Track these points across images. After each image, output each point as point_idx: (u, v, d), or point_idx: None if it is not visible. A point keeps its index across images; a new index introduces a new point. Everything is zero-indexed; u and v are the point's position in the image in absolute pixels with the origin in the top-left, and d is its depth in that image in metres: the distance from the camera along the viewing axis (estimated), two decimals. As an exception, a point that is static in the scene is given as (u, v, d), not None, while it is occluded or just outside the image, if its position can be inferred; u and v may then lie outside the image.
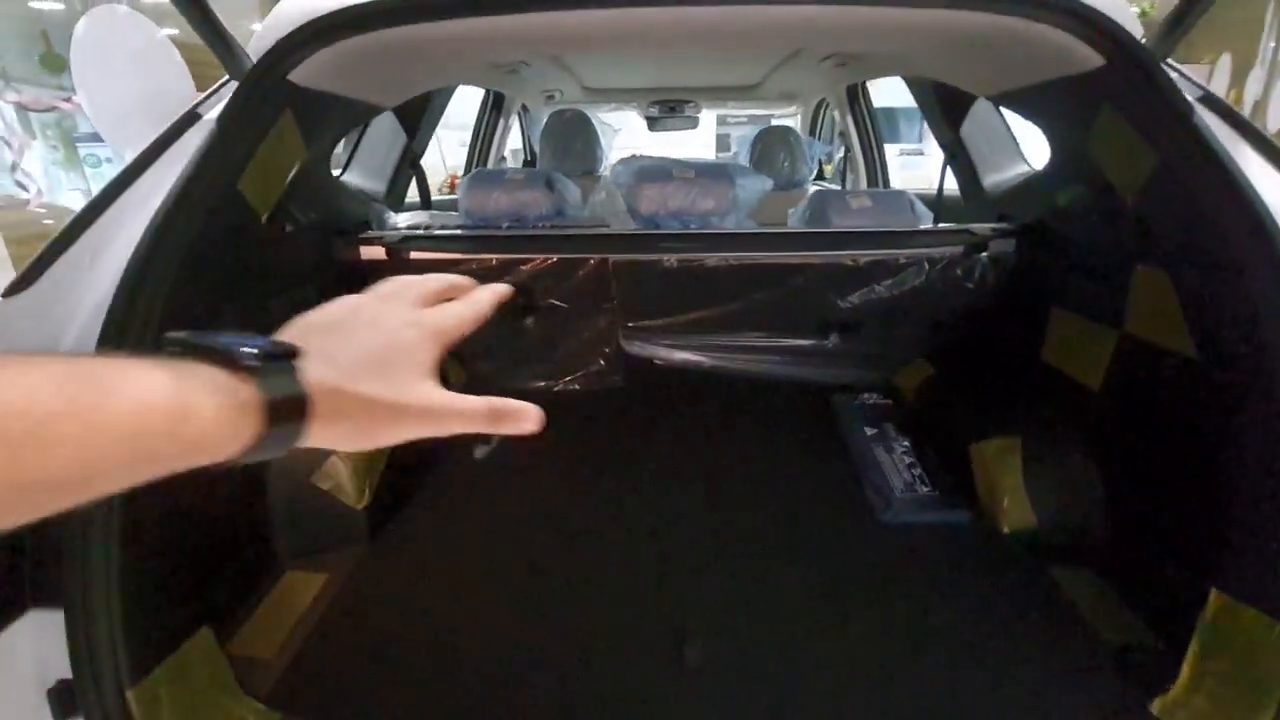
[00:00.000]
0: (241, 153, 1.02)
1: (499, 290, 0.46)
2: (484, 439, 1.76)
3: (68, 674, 0.78)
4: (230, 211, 1.03)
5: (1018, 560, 1.28)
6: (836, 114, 3.11)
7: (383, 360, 0.37)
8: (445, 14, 1.08)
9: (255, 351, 0.32)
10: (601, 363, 1.99)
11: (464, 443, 1.57)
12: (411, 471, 1.56)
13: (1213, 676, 0.88)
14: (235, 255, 1.08)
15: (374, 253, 1.59)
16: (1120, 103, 1.07)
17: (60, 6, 6.06)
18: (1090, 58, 1.07)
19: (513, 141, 3.73)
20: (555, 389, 2.02)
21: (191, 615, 0.97)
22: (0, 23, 6.53)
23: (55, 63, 6.07)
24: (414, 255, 1.59)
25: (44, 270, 0.86)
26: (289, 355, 0.34)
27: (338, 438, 0.36)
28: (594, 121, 3.08)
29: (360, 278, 1.54)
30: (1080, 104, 1.17)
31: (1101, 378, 1.25)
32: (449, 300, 0.44)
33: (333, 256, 1.56)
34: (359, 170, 1.95)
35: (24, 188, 4.14)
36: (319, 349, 0.35)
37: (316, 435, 0.34)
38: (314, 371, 0.34)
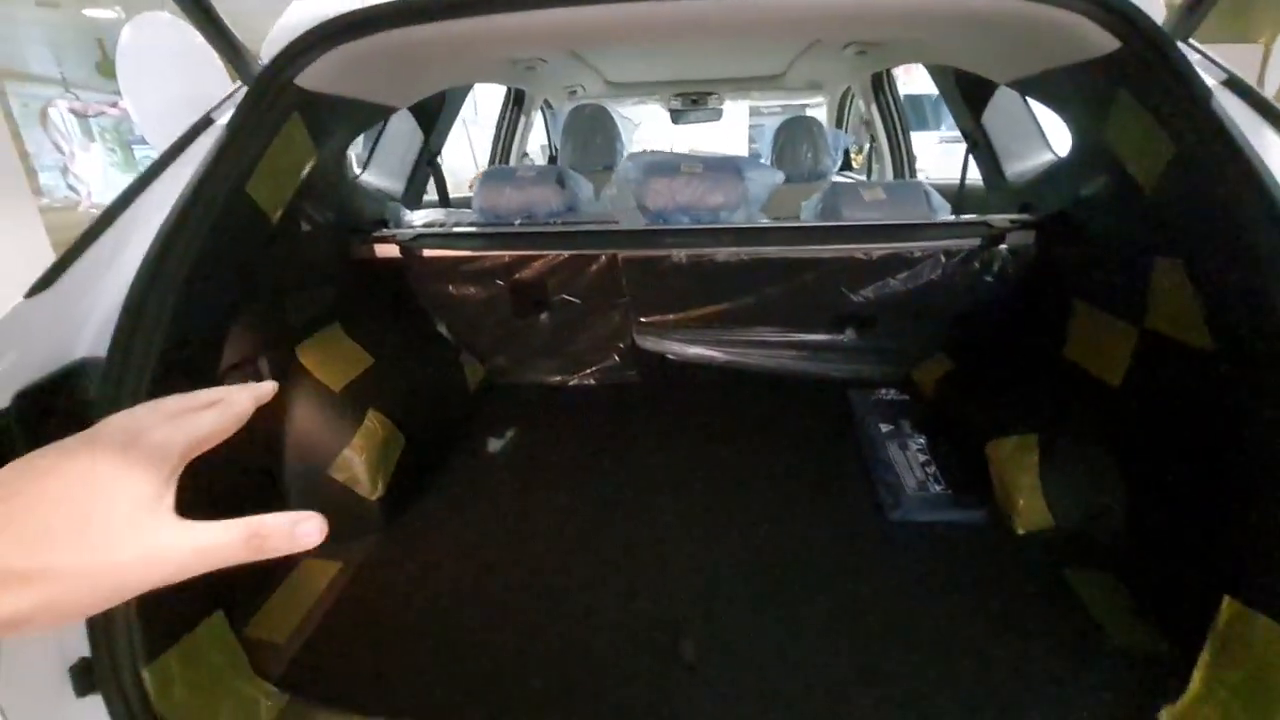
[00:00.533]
0: (249, 156, 1.06)
1: (260, 390, 0.41)
2: (498, 432, 1.79)
3: (88, 652, 0.83)
4: (240, 214, 1.07)
5: (1031, 561, 1.25)
6: (862, 103, 3.04)
7: (75, 516, 0.30)
8: (449, 14, 1.10)
9: None
10: (616, 358, 2.00)
11: (478, 436, 1.60)
12: (425, 464, 1.60)
13: (1224, 687, 0.84)
14: (247, 256, 1.13)
15: (389, 250, 1.63)
16: (1136, 87, 1.02)
17: (111, 14, 6.32)
18: (1105, 41, 1.03)
19: (542, 137, 3.77)
20: (570, 384, 2.04)
21: (206, 600, 1.01)
22: (58, 32, 6.86)
23: (112, 69, 6.34)
24: (427, 253, 1.62)
25: (63, 271, 0.91)
26: None
27: (20, 623, 0.28)
28: (613, 116, 3.08)
29: (376, 275, 1.57)
30: (1097, 89, 1.12)
31: (1121, 374, 1.20)
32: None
33: (349, 255, 1.61)
34: (377, 169, 2.00)
35: (76, 191, 4.36)
36: None
37: None
38: None
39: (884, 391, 1.86)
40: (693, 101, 3.45)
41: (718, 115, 3.65)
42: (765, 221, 1.69)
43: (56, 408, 0.85)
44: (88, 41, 6.90)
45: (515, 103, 3.03)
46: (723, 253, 1.56)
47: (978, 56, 1.48)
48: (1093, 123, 1.20)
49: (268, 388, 0.41)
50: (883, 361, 1.91)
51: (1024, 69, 1.33)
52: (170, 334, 0.92)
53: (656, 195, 1.62)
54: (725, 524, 1.41)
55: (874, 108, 2.84)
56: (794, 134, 2.89)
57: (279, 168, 1.15)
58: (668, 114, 3.62)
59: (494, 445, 1.78)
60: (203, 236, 0.97)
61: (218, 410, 0.38)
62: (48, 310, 0.90)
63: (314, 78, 1.14)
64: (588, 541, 1.38)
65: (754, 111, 8.42)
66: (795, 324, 1.83)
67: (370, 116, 1.50)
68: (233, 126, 1.04)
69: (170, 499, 0.33)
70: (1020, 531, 1.31)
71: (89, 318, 0.90)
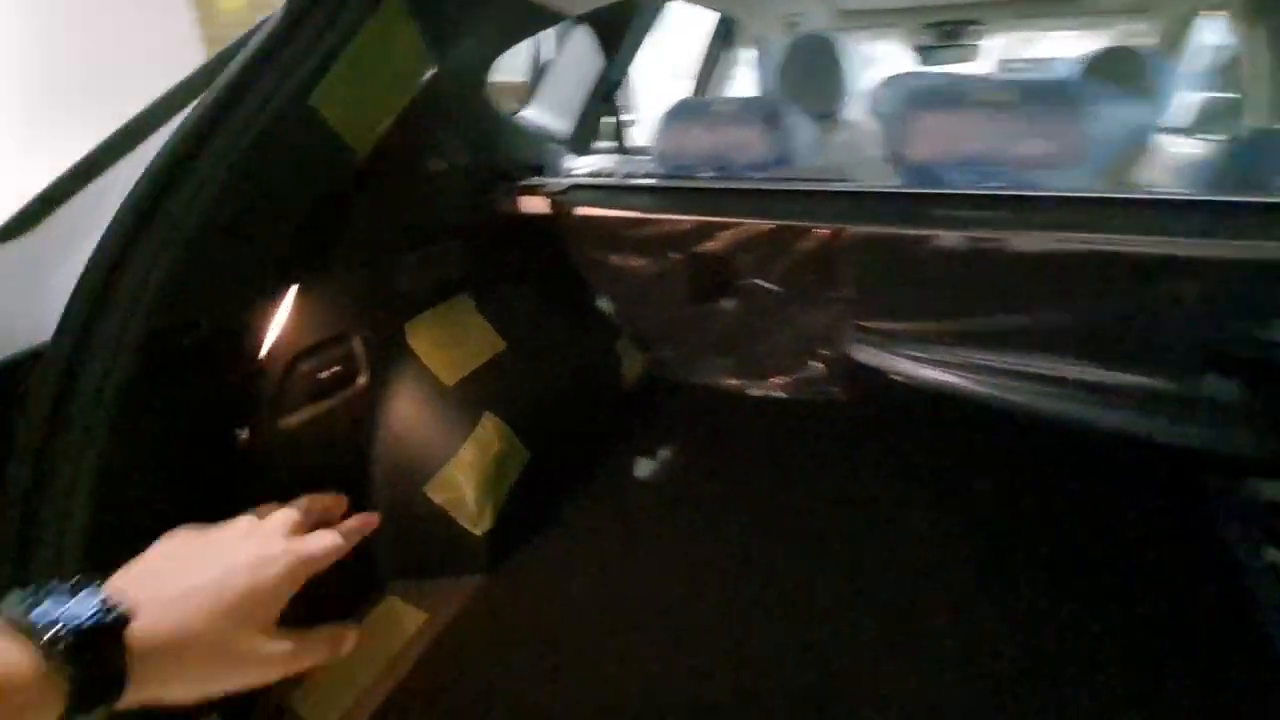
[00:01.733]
0: (318, 54, 0.70)
1: (368, 520, 0.45)
2: (650, 450, 1.39)
3: None
4: (300, 136, 0.73)
5: None
6: (1226, 30, 2.09)
7: (230, 606, 0.34)
8: None
9: (66, 633, 0.29)
10: (818, 367, 1.50)
11: (624, 453, 1.20)
12: (548, 491, 1.27)
13: None
14: (317, 199, 0.79)
15: (536, 205, 1.27)
16: None
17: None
18: None
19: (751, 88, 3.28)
20: (752, 393, 1.59)
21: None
22: None
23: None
24: (580, 211, 1.23)
25: (31, 226, 0.63)
26: (112, 628, 0.30)
27: (163, 693, 0.32)
28: (839, 50, 2.47)
29: (522, 235, 1.15)
30: None
31: None
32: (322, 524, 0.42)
33: (490, 207, 1.27)
34: (543, 102, 1.65)
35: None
36: (155, 599, 0.32)
37: (140, 694, 0.31)
38: (144, 632, 0.31)
39: (1270, 486, 1.14)
40: (947, 34, 2.71)
41: (973, 54, 2.87)
42: (1113, 191, 1.04)
43: (6, 409, 0.58)
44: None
45: (722, 36, 2.56)
46: (1031, 238, 0.96)
47: None
48: None
49: (372, 520, 0.46)
50: (1268, 435, 1.17)
51: None
52: (160, 312, 0.61)
53: (928, 139, 1.05)
54: (952, 660, 0.91)
55: (1255, 34, 1.90)
56: (1108, 73, 2.06)
57: (370, 75, 0.79)
58: (911, 54, 2.91)
59: (644, 468, 1.40)
60: (228, 169, 0.64)
61: (333, 534, 0.41)
62: (17, 262, 0.63)
63: None
64: (755, 615, 1.02)
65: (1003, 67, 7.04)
66: (1119, 358, 1.17)
67: (524, 20, 1.13)
68: (292, 8, 0.69)
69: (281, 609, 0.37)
70: None
71: (60, 288, 0.62)
